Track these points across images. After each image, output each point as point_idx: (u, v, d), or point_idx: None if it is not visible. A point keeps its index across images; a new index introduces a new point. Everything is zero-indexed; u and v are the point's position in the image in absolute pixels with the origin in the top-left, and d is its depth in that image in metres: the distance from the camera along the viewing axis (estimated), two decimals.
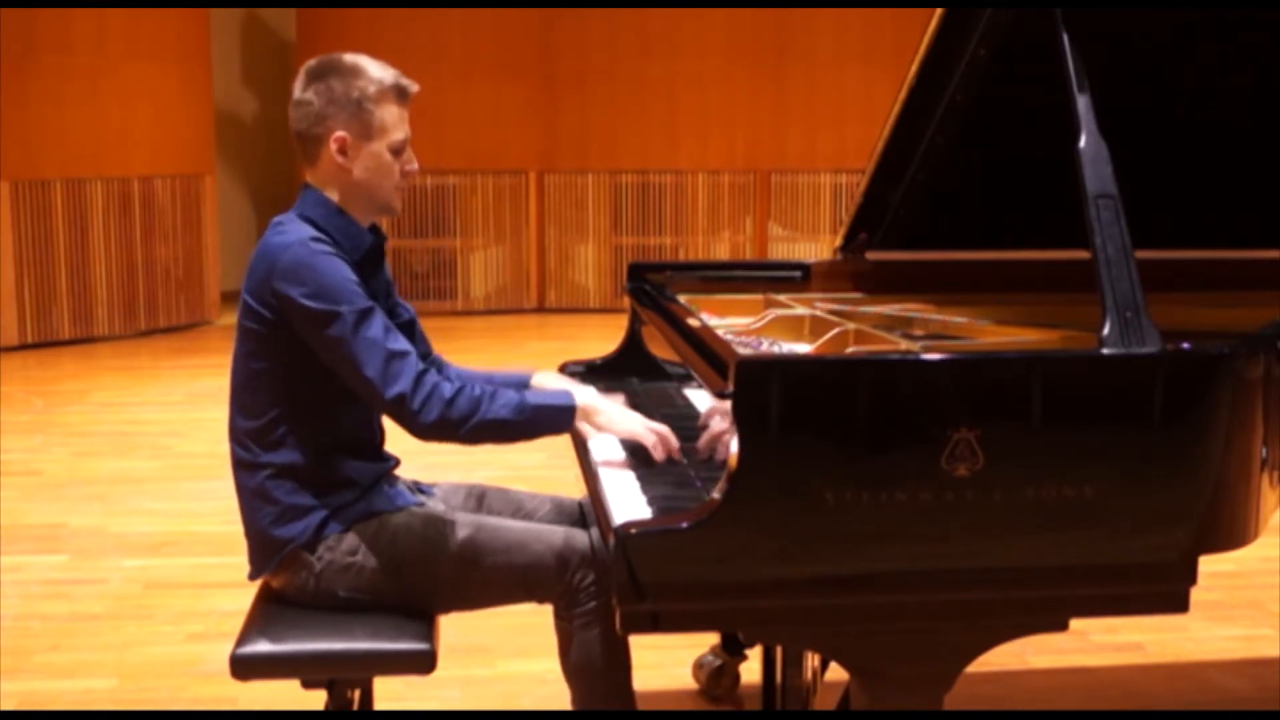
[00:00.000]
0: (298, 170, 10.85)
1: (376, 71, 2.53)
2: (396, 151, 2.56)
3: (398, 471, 2.73)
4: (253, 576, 2.64)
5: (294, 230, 2.50)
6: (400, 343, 2.45)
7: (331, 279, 2.42)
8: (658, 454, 2.48)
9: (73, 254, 8.72)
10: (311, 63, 2.57)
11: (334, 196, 2.56)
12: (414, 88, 2.57)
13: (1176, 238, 3.05)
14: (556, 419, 2.52)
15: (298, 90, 2.56)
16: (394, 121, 2.54)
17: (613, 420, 2.54)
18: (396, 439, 2.68)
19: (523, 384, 2.82)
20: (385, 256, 2.71)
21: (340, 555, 2.53)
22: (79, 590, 4.26)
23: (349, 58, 2.55)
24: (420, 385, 2.41)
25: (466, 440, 2.45)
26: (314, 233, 2.49)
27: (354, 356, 2.40)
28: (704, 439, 2.50)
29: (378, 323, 2.43)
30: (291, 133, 2.58)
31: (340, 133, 2.52)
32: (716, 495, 2.04)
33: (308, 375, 2.48)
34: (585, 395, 2.59)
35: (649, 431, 2.50)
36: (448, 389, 2.43)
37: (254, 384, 2.54)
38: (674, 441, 2.52)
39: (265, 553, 2.57)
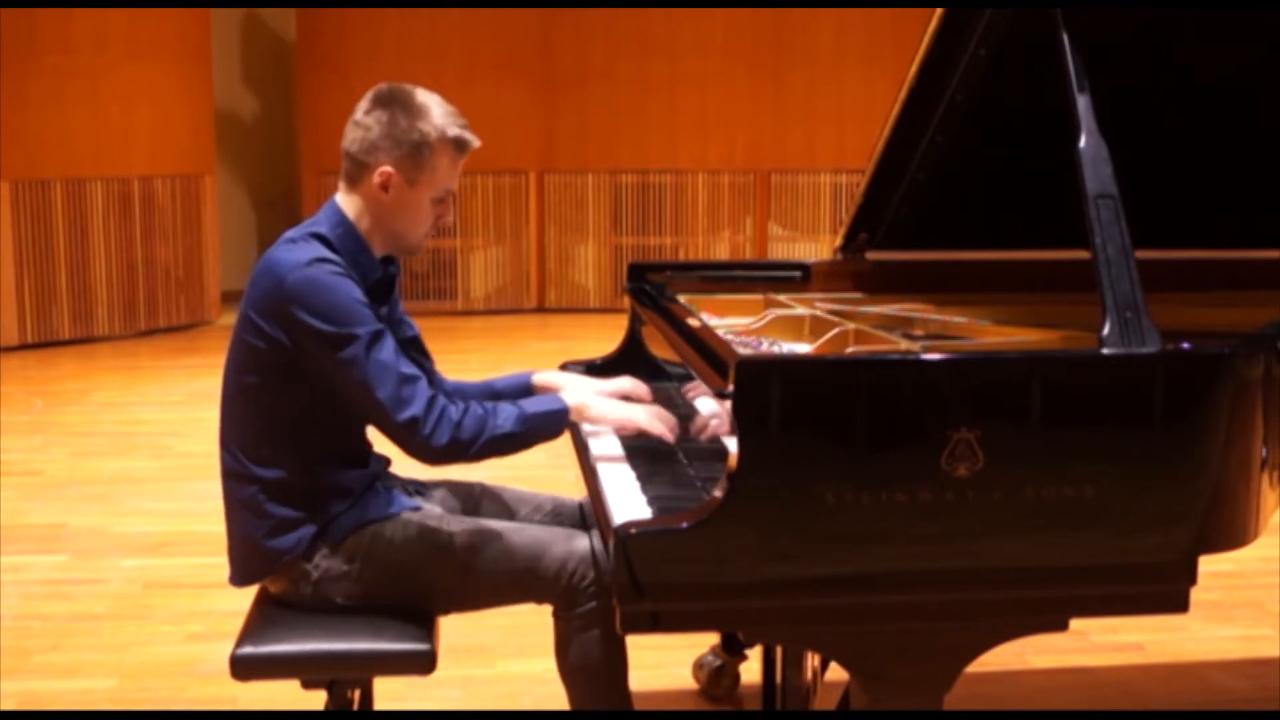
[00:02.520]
0: (298, 170, 10.85)
1: (441, 119, 2.49)
2: (438, 201, 2.54)
3: (395, 472, 2.73)
4: (236, 583, 2.63)
5: (304, 249, 2.46)
6: (411, 367, 2.45)
7: (343, 301, 2.40)
8: (659, 432, 2.52)
9: (73, 254, 8.71)
10: (382, 87, 2.53)
11: (362, 223, 2.54)
12: (475, 143, 2.54)
13: (1176, 238, 3.05)
14: (552, 423, 2.53)
15: (360, 111, 2.52)
16: (444, 173, 2.52)
17: (605, 412, 2.58)
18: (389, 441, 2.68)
19: (524, 385, 2.82)
20: (396, 287, 2.70)
21: (337, 563, 2.52)
22: (79, 590, 4.26)
23: (420, 95, 2.51)
24: (431, 408, 2.40)
25: (475, 458, 2.45)
26: (324, 252, 2.46)
27: (367, 379, 2.39)
28: (697, 421, 2.53)
29: (389, 345, 2.42)
30: (340, 149, 2.54)
31: (388, 168, 2.48)
32: (716, 495, 2.04)
33: (302, 391, 2.46)
34: (575, 394, 2.61)
35: (646, 415, 2.54)
36: (454, 412, 2.42)
37: (247, 397, 2.53)
38: (671, 419, 2.55)
39: (258, 564, 2.57)
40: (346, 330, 2.38)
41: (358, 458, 2.59)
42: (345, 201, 2.55)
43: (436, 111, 2.50)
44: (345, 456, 2.55)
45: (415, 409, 2.39)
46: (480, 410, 2.45)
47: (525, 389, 2.81)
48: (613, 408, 2.59)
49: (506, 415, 2.47)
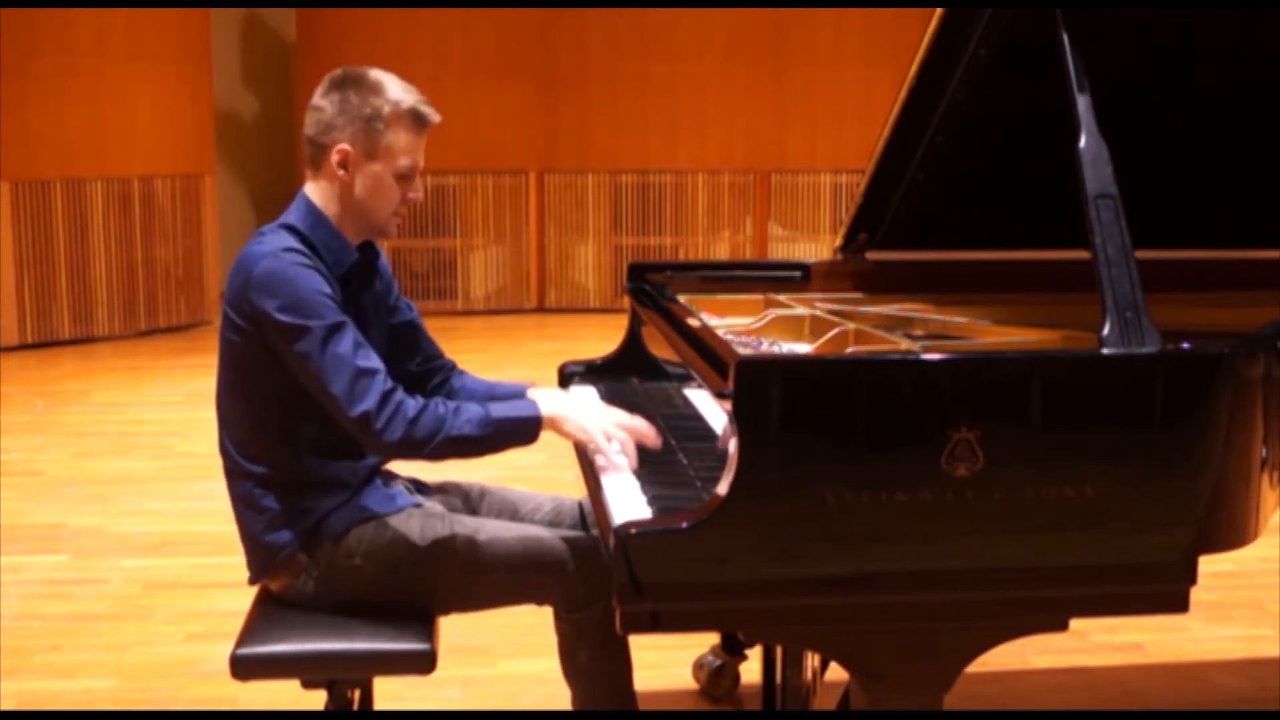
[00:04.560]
0: (298, 170, 10.84)
1: (396, 93, 2.48)
2: (401, 177, 2.51)
3: (397, 470, 2.73)
4: (252, 581, 2.64)
5: (271, 240, 2.47)
6: (370, 360, 2.41)
7: (303, 291, 2.39)
8: (615, 465, 2.42)
9: (73, 254, 8.71)
10: (337, 71, 2.53)
11: (330, 209, 2.53)
12: (435, 117, 2.52)
13: (1176, 238, 3.05)
14: (521, 431, 2.47)
15: (317, 95, 2.52)
16: (404, 147, 2.49)
17: (579, 427, 2.48)
18: None
19: (519, 397, 2.79)
20: (377, 272, 2.67)
21: (339, 558, 2.52)
22: (79, 590, 4.26)
23: (374, 74, 2.50)
24: (385, 404, 2.37)
25: (431, 457, 2.43)
26: (291, 243, 2.46)
27: (321, 372, 2.38)
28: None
29: (348, 339, 2.40)
30: (303, 136, 2.55)
31: (344, 145, 2.48)
32: (716, 495, 2.04)
33: (283, 384, 2.46)
34: (551, 404, 2.53)
35: (604, 437, 2.45)
36: (412, 407, 2.39)
37: (233, 394, 2.54)
38: (647, 433, 2.47)
39: (261, 559, 2.57)
40: (302, 322, 2.38)
41: (348, 449, 2.55)
42: (313, 189, 2.55)
43: (391, 86, 2.49)
44: (335, 447, 2.53)
45: (368, 403, 2.36)
46: (441, 409, 2.41)
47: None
48: (586, 426, 2.47)
49: (468, 418, 2.42)
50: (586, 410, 2.54)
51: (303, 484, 2.52)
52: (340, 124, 2.48)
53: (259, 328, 2.43)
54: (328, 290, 2.43)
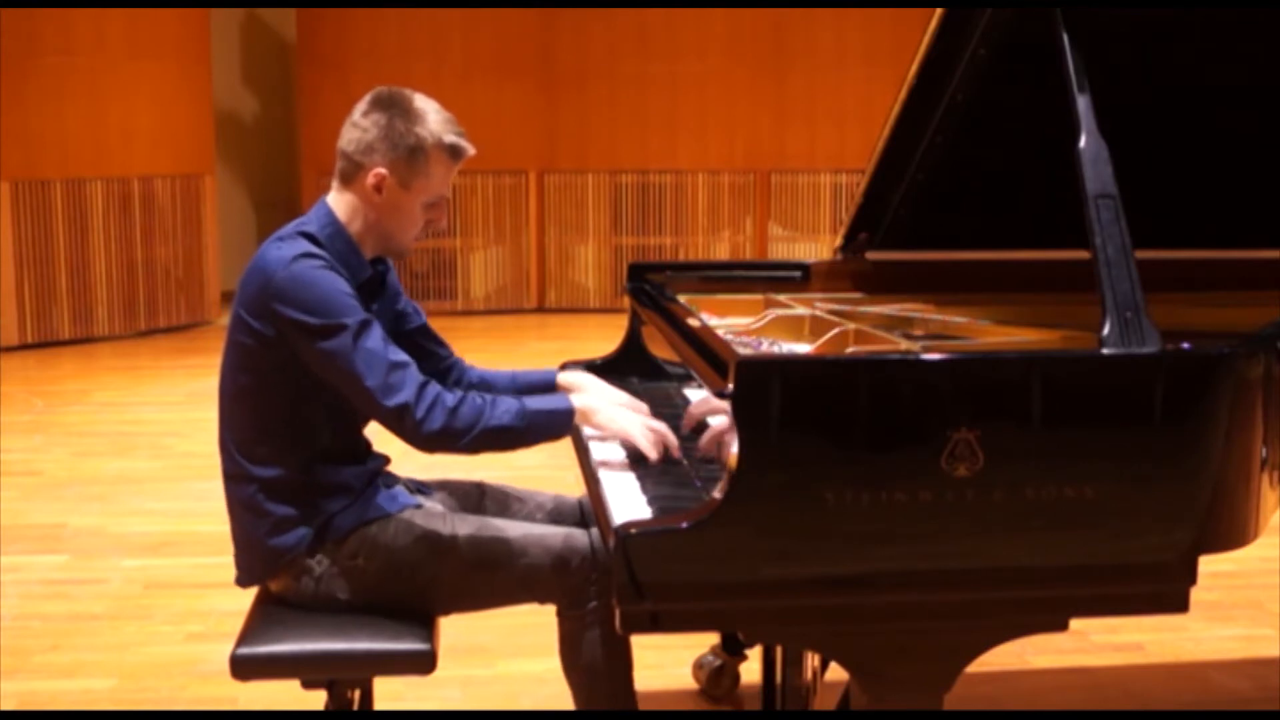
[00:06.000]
0: (298, 170, 10.83)
1: (438, 125, 2.51)
2: (430, 206, 2.55)
3: (397, 470, 2.73)
4: (242, 583, 2.64)
5: (290, 246, 2.47)
6: (400, 354, 2.43)
7: (329, 292, 2.41)
8: (652, 455, 2.48)
9: (73, 254, 8.71)
10: (381, 90, 2.54)
11: (353, 225, 2.55)
12: (470, 151, 2.55)
13: (1176, 238, 3.05)
14: (555, 423, 2.50)
15: (357, 112, 2.53)
16: (438, 178, 2.53)
17: (611, 420, 2.53)
18: (388, 438, 2.67)
19: (549, 382, 2.81)
20: (386, 285, 2.68)
21: (341, 559, 2.53)
22: (79, 590, 4.26)
23: (419, 101, 2.52)
24: (423, 394, 2.39)
25: (468, 449, 2.43)
26: (310, 249, 2.46)
27: (354, 368, 2.38)
28: (706, 438, 2.50)
29: (376, 333, 2.41)
30: (336, 148, 2.56)
31: (382, 170, 2.50)
32: (716, 495, 2.04)
33: (295, 389, 2.47)
34: (584, 397, 2.58)
35: (645, 432, 2.50)
36: (450, 398, 2.41)
37: (242, 398, 2.53)
38: (672, 439, 2.52)
39: (262, 562, 2.57)
40: (333, 321, 2.39)
41: (355, 454, 2.58)
42: (337, 201, 2.56)
43: (434, 118, 2.51)
44: (342, 453, 2.54)
45: (406, 395, 2.38)
46: (479, 400, 2.43)
47: (549, 385, 2.81)
48: (617, 418, 2.54)
49: (506, 409, 2.44)
50: (617, 403, 2.58)
51: (310, 488, 2.52)
52: (382, 149, 2.49)
53: (280, 332, 2.43)
54: (350, 290, 2.45)
